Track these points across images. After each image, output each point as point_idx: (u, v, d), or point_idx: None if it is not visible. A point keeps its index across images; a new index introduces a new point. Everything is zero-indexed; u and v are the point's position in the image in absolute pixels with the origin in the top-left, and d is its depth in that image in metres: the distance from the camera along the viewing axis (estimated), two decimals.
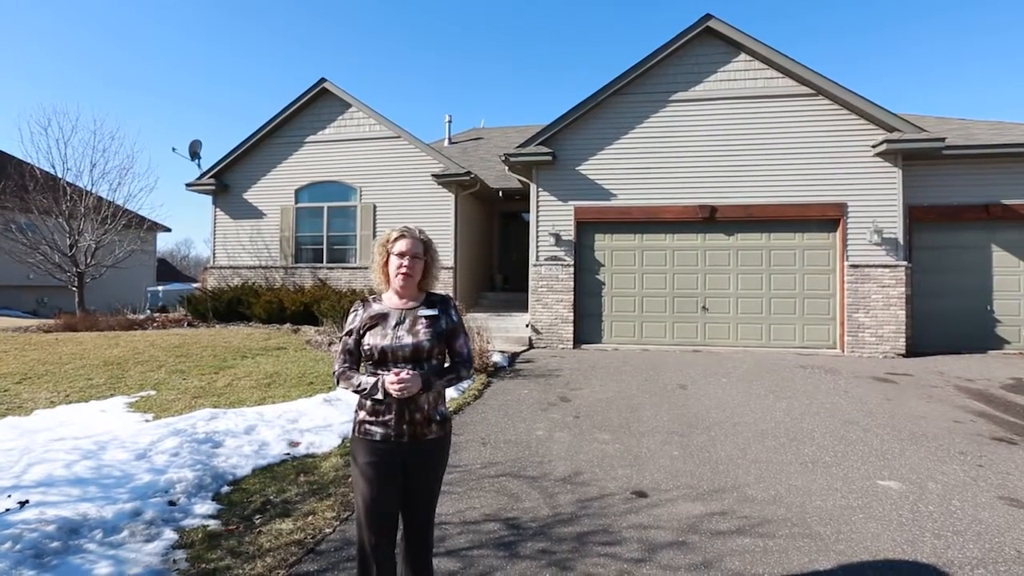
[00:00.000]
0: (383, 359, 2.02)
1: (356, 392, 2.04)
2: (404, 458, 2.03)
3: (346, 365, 2.09)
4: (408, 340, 2.03)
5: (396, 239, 2.11)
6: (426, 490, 2.09)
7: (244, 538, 2.95)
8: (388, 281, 2.14)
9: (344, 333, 2.15)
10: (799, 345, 9.62)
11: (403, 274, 2.08)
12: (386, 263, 2.13)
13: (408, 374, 1.95)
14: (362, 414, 2.05)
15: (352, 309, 2.17)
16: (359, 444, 2.04)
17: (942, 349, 9.54)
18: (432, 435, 2.07)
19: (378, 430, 2.01)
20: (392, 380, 1.94)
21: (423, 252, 2.13)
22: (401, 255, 2.08)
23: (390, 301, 2.14)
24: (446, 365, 2.18)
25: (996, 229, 9.74)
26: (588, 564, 2.74)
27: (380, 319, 2.08)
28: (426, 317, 2.10)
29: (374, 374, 2.04)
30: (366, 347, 2.04)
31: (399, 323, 2.07)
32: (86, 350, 8.32)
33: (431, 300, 2.18)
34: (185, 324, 11.70)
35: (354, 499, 2.09)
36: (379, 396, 1.98)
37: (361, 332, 2.08)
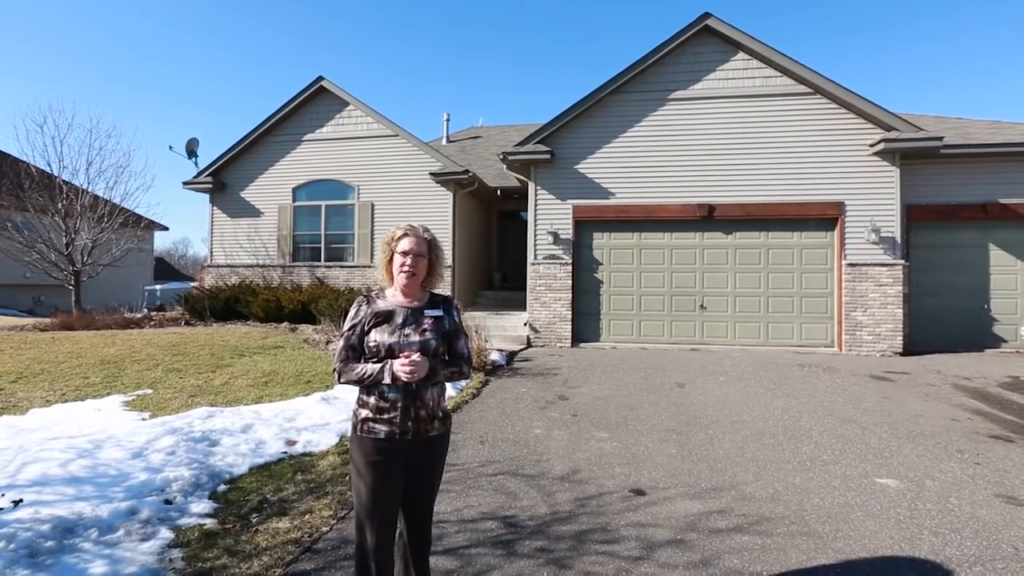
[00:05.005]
0: (390, 357, 2.01)
1: (359, 382, 2.02)
2: (407, 455, 2.03)
3: (349, 359, 2.07)
4: (415, 338, 2.04)
5: (400, 237, 2.11)
6: (427, 486, 2.11)
7: (241, 537, 2.94)
8: (392, 279, 2.14)
9: (346, 328, 2.11)
10: (797, 343, 9.63)
11: (406, 272, 2.07)
12: (390, 261, 2.13)
13: (418, 357, 1.96)
14: (365, 412, 2.03)
15: (356, 304, 2.15)
16: (361, 443, 2.02)
17: (939, 348, 9.56)
18: (435, 431, 2.08)
19: (383, 428, 2.00)
20: (403, 362, 1.94)
21: (427, 251, 2.12)
22: (405, 253, 2.08)
23: (394, 299, 2.13)
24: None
25: (993, 228, 9.76)
26: (586, 562, 2.73)
27: (386, 317, 2.07)
28: (432, 317, 2.11)
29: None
30: (372, 344, 2.03)
31: (406, 322, 2.07)
32: (82, 349, 8.29)
33: (435, 300, 2.19)
34: (182, 323, 11.66)
35: (353, 499, 2.07)
36: (387, 380, 1.97)
37: (367, 328, 2.07)
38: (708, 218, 9.83)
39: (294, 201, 12.84)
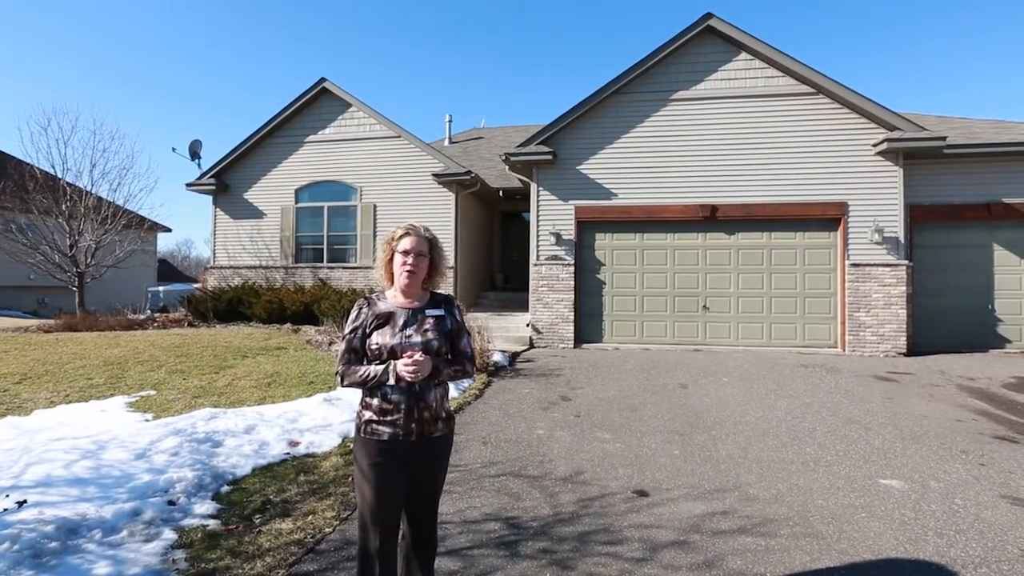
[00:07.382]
0: (392, 358, 2.01)
1: (363, 384, 2.01)
2: (410, 457, 2.03)
3: (351, 362, 2.07)
4: (417, 339, 2.03)
5: (401, 237, 2.10)
6: (431, 487, 2.11)
7: (244, 538, 2.94)
8: (392, 279, 2.13)
9: (348, 331, 2.10)
10: (800, 344, 9.60)
11: (408, 272, 2.06)
12: (390, 260, 2.12)
13: (420, 356, 1.95)
14: (368, 414, 2.03)
15: (356, 306, 2.13)
16: (365, 444, 2.02)
17: (943, 348, 9.52)
18: (438, 432, 2.08)
19: (386, 430, 2.00)
20: (406, 362, 1.93)
21: (428, 250, 2.11)
22: (406, 253, 2.07)
23: (395, 300, 2.12)
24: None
25: (997, 228, 9.72)
26: (589, 564, 2.73)
27: (387, 318, 2.07)
28: (433, 317, 2.10)
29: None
30: (374, 346, 2.03)
31: (407, 322, 2.06)
32: (86, 350, 8.32)
33: (435, 299, 2.18)
34: (185, 324, 11.69)
35: (357, 500, 2.07)
36: (391, 381, 1.96)
37: (368, 331, 2.06)
38: (711, 219, 9.82)
39: (297, 202, 12.86)
